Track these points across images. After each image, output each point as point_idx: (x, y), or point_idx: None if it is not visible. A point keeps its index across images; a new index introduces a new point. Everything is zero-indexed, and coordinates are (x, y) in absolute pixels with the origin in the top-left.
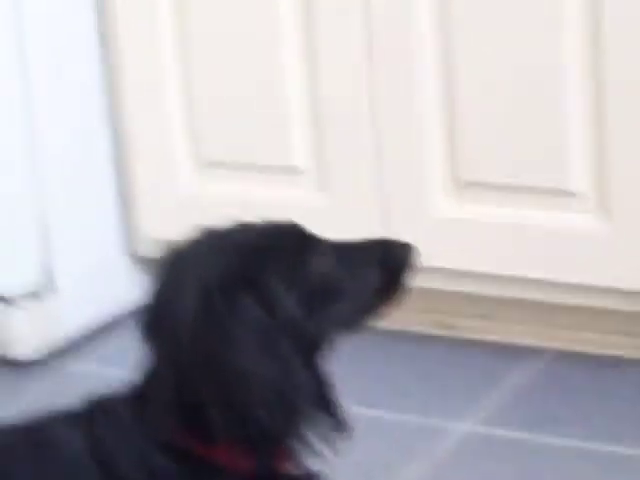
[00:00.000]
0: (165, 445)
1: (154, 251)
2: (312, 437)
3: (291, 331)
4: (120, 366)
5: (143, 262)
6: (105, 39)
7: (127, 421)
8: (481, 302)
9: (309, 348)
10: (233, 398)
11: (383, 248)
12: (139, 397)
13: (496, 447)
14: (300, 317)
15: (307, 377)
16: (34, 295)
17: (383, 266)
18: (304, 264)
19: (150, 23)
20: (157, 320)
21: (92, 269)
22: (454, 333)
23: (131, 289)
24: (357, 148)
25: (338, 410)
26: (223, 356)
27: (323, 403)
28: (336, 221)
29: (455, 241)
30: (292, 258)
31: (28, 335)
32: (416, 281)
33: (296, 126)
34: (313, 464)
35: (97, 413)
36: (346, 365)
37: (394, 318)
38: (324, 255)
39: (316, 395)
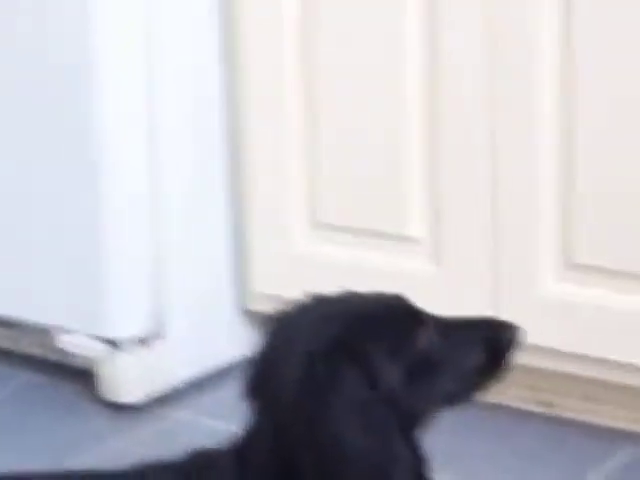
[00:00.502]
0: None
1: (264, 307)
2: None
3: (391, 405)
4: (222, 418)
5: (252, 317)
6: (232, 94)
7: (228, 477)
8: (583, 383)
9: (408, 423)
10: (328, 467)
11: (489, 327)
12: (239, 453)
13: None
14: (401, 391)
15: (404, 452)
16: (143, 341)
17: (487, 346)
18: (409, 338)
19: (279, 105)
20: (260, 380)
21: (201, 319)
22: (554, 411)
23: (238, 343)
24: (474, 223)
25: None
26: (321, 424)
27: (419, 478)
28: (446, 294)
29: (562, 322)
30: (398, 331)
31: (134, 380)
32: (520, 357)
33: (415, 196)
34: None
35: (198, 465)
36: (444, 438)
37: (495, 391)
38: (429, 330)
39: (412, 471)
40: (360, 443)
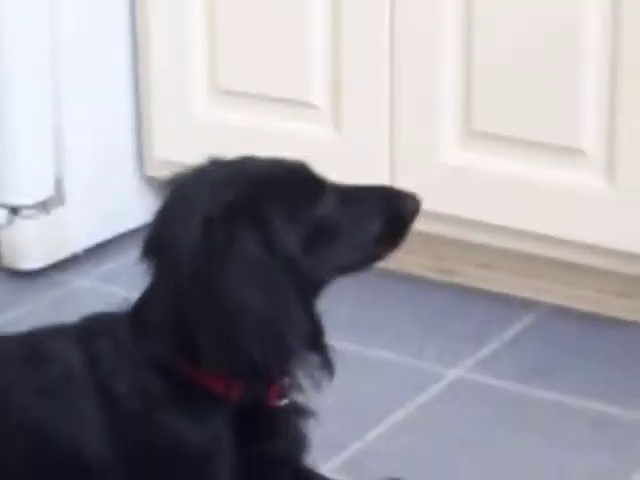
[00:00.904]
0: (160, 368)
1: (164, 173)
2: (300, 374)
3: (289, 269)
4: (121, 285)
5: (153, 184)
6: None
7: (124, 342)
8: (482, 251)
9: (306, 288)
10: (223, 327)
11: (389, 196)
12: (137, 318)
13: (484, 394)
14: (299, 256)
15: (301, 316)
16: (42, 206)
17: (386, 215)
18: (309, 204)
19: None
20: (158, 243)
21: (102, 186)
22: (453, 279)
23: (139, 210)
24: (374, 92)
25: (328, 351)
26: (219, 286)
27: (314, 343)
28: (345, 161)
29: (462, 190)
30: (298, 197)
31: (34, 246)
32: (421, 225)
33: (317, 64)
34: (299, 398)
35: (96, 331)
36: (346, 305)
37: (394, 259)
38: (329, 198)
39: (308, 334)
40: (256, 304)
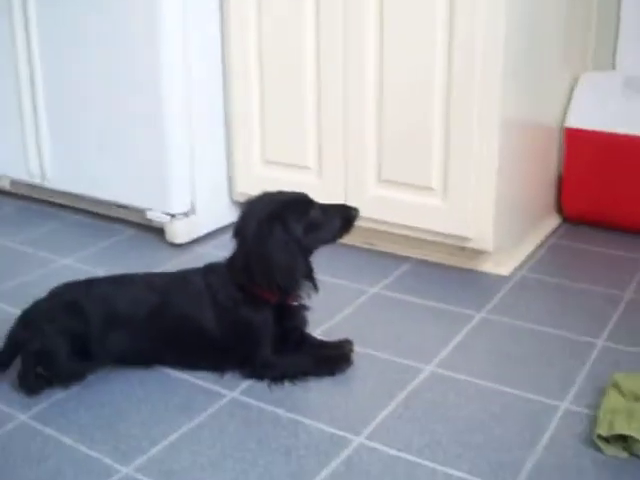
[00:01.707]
0: (239, 287)
1: (241, 198)
2: (303, 290)
3: (297, 243)
4: (222, 250)
5: (236, 204)
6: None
7: (224, 275)
8: (386, 233)
9: (305, 252)
10: (267, 269)
11: (345, 208)
12: (229, 264)
13: (395, 303)
14: (302, 237)
15: (303, 263)
16: (186, 214)
17: (344, 217)
18: (306, 212)
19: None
20: (237, 231)
21: (213, 203)
22: (372, 247)
23: (228, 215)
24: (335, 155)
25: (315, 280)
26: (264, 251)
27: (310, 276)
28: (323, 192)
29: (378, 206)
30: (301, 209)
31: (181, 232)
32: (358, 223)
33: (309, 134)
34: (303, 300)
35: (210, 270)
36: (323, 258)
37: (345, 239)
38: (316, 209)
39: (306, 272)
40: (282, 258)
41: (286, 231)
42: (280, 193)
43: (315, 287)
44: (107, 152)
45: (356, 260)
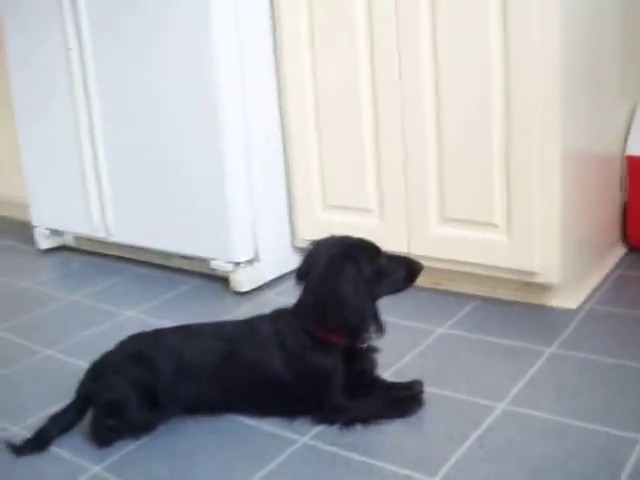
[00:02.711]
0: (307, 332)
1: (302, 244)
2: (371, 332)
3: (368, 285)
4: (287, 296)
5: (297, 249)
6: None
7: (291, 320)
8: (450, 272)
9: (374, 296)
10: (338, 308)
11: (409, 261)
12: (296, 309)
13: (467, 343)
14: (372, 281)
15: (371, 306)
16: (250, 261)
17: (408, 269)
18: (375, 258)
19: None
20: (304, 272)
21: (276, 250)
22: (439, 287)
23: (292, 261)
24: (396, 198)
25: (382, 322)
26: (336, 291)
27: (376, 318)
28: (386, 237)
29: (442, 246)
30: (370, 253)
31: (247, 281)
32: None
33: (370, 184)
34: (372, 343)
35: (278, 316)
36: (388, 300)
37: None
38: (383, 256)
39: (374, 315)
40: (353, 297)
41: (358, 272)
42: (348, 237)
43: (382, 329)
44: (169, 203)
45: (422, 300)
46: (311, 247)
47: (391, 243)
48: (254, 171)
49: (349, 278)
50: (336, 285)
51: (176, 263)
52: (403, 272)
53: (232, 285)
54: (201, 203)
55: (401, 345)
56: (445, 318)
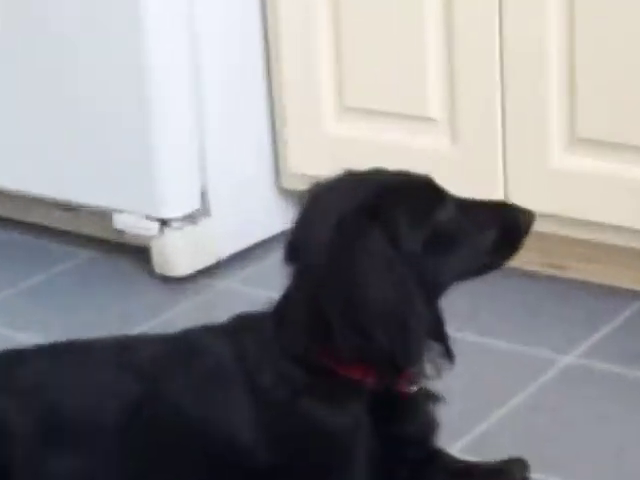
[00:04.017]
0: (299, 359)
1: (298, 186)
2: (426, 361)
3: (411, 265)
4: (263, 286)
5: (288, 195)
6: None
7: (268, 336)
8: (588, 247)
9: (428, 287)
10: (357, 318)
11: (505, 210)
12: (277, 314)
13: (596, 378)
14: (420, 255)
15: (423, 307)
16: (190, 219)
17: (502, 226)
18: (430, 211)
19: None
20: (297, 246)
21: (243, 198)
22: (563, 274)
23: (276, 219)
24: (486, 103)
25: (448, 341)
26: (351, 279)
27: (436, 333)
28: (460, 169)
29: (567, 191)
30: (420, 204)
31: (183, 255)
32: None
33: (432, 79)
34: (427, 384)
35: (241, 328)
36: (463, 300)
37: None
38: (449, 207)
39: (430, 325)
40: (383, 295)
41: (392, 239)
42: (378, 172)
43: (449, 355)
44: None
45: (528, 297)
46: (311, 197)
47: (471, 186)
48: (199, 47)
49: (376, 258)
50: (351, 273)
51: (63, 223)
52: (494, 232)
53: (156, 263)
54: (103, 108)
55: (488, 389)
56: (575, 334)
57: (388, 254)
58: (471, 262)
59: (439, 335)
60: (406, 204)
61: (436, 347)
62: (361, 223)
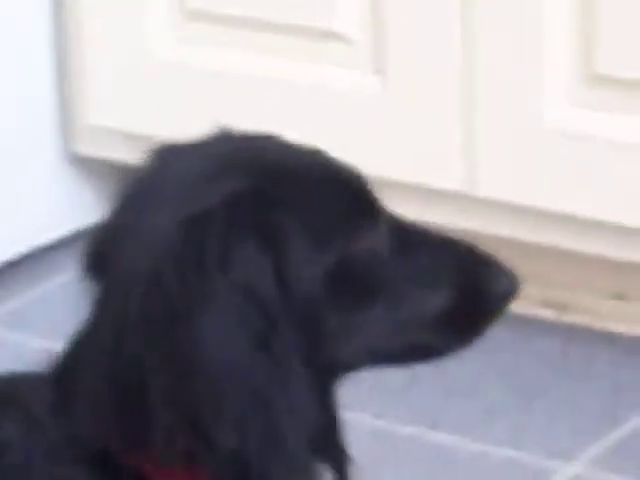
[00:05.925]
0: (93, 458)
1: (103, 152)
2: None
3: (302, 321)
4: (35, 329)
5: (86, 166)
6: None
7: (41, 419)
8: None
9: (322, 361)
10: (192, 405)
11: (473, 263)
12: (61, 383)
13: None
14: (320, 302)
15: (311, 397)
16: None
17: (462, 290)
18: (347, 229)
19: None
20: (106, 259)
21: (9, 177)
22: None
23: (66, 209)
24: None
25: (343, 458)
26: (193, 332)
27: (325, 442)
28: (393, 111)
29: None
30: (331, 213)
31: None
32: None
33: None
34: None
35: (6, 399)
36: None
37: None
38: (380, 232)
39: (318, 429)
40: (242, 366)
41: (277, 273)
42: (271, 143)
43: (342, 474)
44: None
45: (516, 359)
46: (138, 179)
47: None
48: None
49: (242, 296)
50: (194, 319)
51: None
52: (444, 293)
53: None
54: None
55: None
56: (589, 431)
57: (265, 292)
58: (402, 334)
59: (328, 444)
60: (310, 210)
61: (321, 464)
62: (229, 229)
